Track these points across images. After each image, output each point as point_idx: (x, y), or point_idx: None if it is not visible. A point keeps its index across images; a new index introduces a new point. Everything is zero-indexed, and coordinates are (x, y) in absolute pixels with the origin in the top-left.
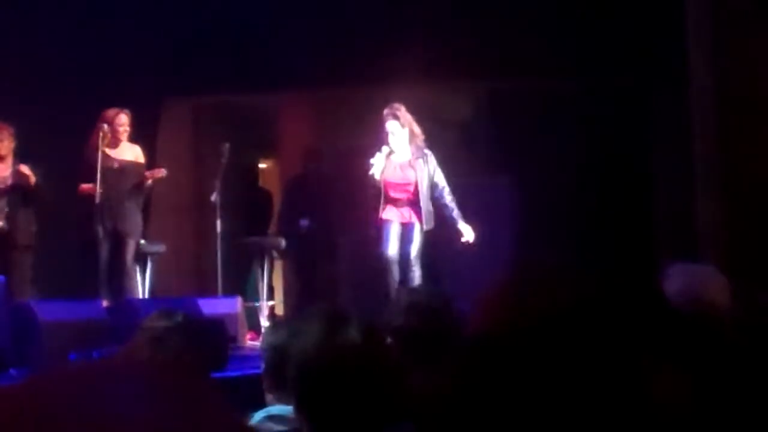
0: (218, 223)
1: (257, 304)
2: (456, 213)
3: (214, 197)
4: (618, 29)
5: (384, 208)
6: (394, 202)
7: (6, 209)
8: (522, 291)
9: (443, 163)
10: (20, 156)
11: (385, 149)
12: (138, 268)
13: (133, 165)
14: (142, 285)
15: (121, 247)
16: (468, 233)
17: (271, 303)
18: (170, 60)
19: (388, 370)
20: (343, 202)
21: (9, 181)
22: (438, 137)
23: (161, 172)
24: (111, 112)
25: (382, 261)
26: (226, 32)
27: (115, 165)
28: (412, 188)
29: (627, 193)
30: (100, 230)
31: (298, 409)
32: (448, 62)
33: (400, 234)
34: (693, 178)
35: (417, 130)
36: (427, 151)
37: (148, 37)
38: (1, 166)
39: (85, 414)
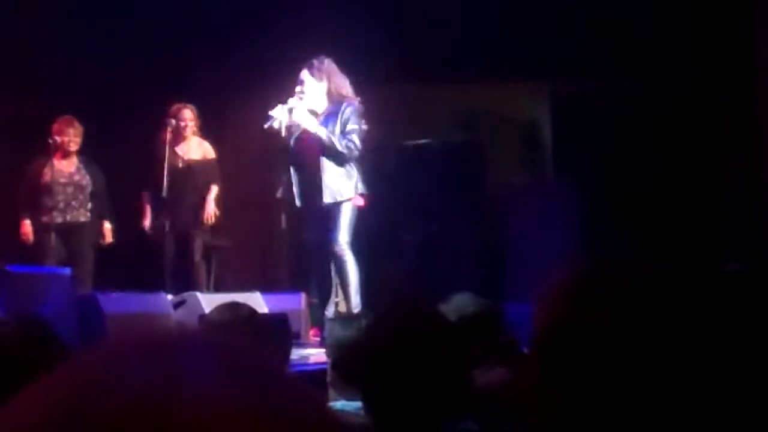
0: (283, 218)
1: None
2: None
3: (279, 193)
4: (683, 28)
5: (299, 183)
6: (303, 166)
7: (73, 203)
8: (590, 285)
9: (506, 164)
10: (86, 152)
11: (291, 101)
12: (203, 263)
13: (201, 164)
14: (207, 279)
15: (187, 244)
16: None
17: (336, 300)
18: (237, 56)
19: (456, 365)
20: (408, 199)
21: (75, 177)
22: (502, 137)
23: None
24: (175, 107)
25: (305, 249)
26: (292, 26)
27: (180, 164)
28: (319, 154)
29: (693, 196)
30: (167, 225)
31: (366, 401)
32: (513, 62)
33: (318, 218)
34: (761, 181)
35: (344, 89)
36: (347, 103)
37: (215, 31)
38: (67, 162)
39: (155, 387)
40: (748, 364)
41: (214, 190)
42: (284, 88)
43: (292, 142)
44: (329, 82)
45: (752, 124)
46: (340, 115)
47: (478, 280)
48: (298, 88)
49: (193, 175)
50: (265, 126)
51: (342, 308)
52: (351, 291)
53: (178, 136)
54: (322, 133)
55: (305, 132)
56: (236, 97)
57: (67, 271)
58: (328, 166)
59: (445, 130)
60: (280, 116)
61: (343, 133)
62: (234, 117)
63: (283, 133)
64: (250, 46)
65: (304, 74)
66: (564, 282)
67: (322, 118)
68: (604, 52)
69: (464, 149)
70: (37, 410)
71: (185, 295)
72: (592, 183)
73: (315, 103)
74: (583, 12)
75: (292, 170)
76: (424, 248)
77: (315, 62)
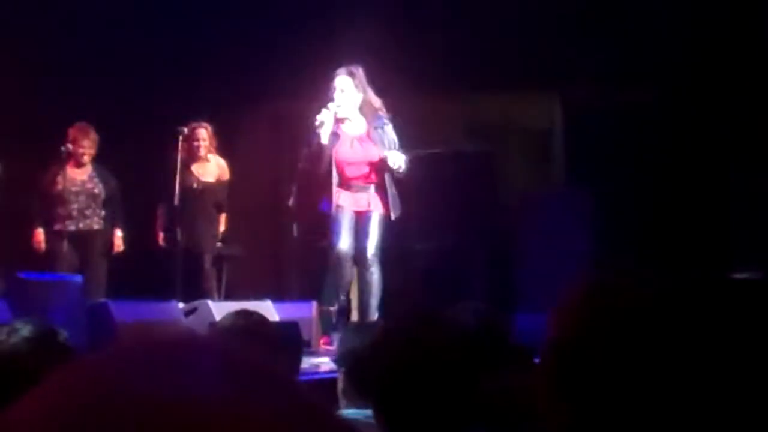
0: (294, 227)
1: (332, 309)
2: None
3: (291, 201)
4: (695, 37)
5: (337, 192)
6: (348, 185)
7: (86, 211)
8: (603, 297)
9: (518, 174)
10: (100, 162)
11: (332, 106)
12: (214, 271)
13: (215, 186)
14: (218, 287)
15: (197, 257)
16: (393, 158)
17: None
18: (250, 65)
19: (469, 374)
20: (420, 209)
21: (87, 185)
22: (514, 147)
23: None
24: (190, 126)
25: (331, 257)
26: (305, 37)
27: (195, 185)
28: (370, 167)
29: (706, 204)
30: (179, 234)
31: (378, 411)
32: (525, 72)
33: (353, 225)
34: None
35: (377, 102)
36: (386, 120)
37: (229, 41)
38: (80, 170)
39: (163, 392)
40: (764, 374)
41: (224, 217)
42: (297, 98)
43: (336, 161)
44: (365, 93)
45: (764, 132)
46: (384, 135)
47: (490, 290)
48: (338, 94)
49: (206, 198)
50: (317, 129)
51: (354, 317)
52: (374, 302)
53: (194, 155)
54: (404, 164)
55: (376, 163)
56: (249, 107)
57: (79, 278)
58: (389, 182)
59: (456, 139)
60: (327, 120)
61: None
62: (247, 127)
63: (326, 140)
64: (264, 57)
65: (345, 82)
66: (577, 293)
67: (367, 136)
68: (616, 62)
69: (476, 159)
70: (44, 412)
71: (196, 303)
72: (605, 193)
73: (349, 112)
74: (595, 22)
75: (338, 186)
76: (435, 258)
77: (354, 71)
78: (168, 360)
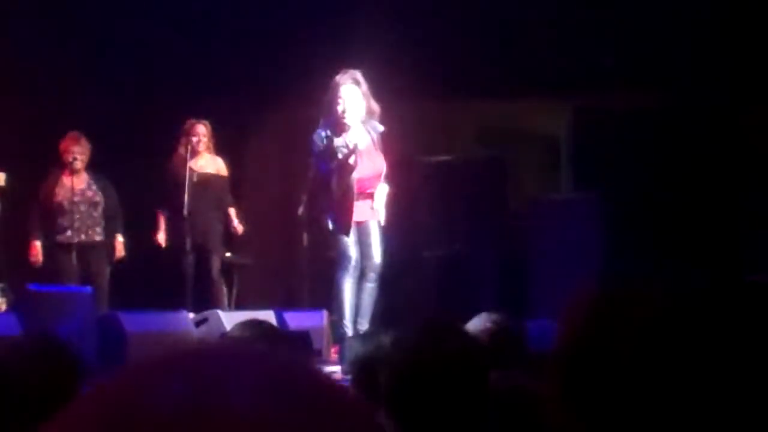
0: (305, 236)
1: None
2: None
3: (301, 210)
4: (705, 44)
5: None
6: (358, 198)
7: (87, 221)
8: (609, 304)
9: (529, 180)
10: (98, 168)
11: (354, 125)
12: (224, 280)
13: (215, 178)
14: (228, 297)
15: (205, 261)
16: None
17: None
18: (259, 73)
19: (480, 382)
20: (430, 215)
21: (87, 194)
22: (525, 153)
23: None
24: (189, 122)
25: (348, 270)
26: (314, 41)
27: (195, 178)
28: (377, 180)
29: (716, 209)
30: (188, 243)
31: (389, 417)
32: (535, 78)
33: (357, 236)
34: None
35: (376, 108)
36: (380, 127)
37: (236, 47)
38: (77, 179)
39: (190, 404)
40: None
41: (233, 211)
42: (309, 105)
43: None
44: (368, 101)
45: None
46: (376, 142)
47: (500, 297)
48: (348, 103)
49: (208, 189)
50: (349, 159)
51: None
52: (370, 311)
53: (192, 151)
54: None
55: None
56: (258, 115)
57: (89, 290)
58: (382, 191)
59: (467, 146)
60: (361, 139)
61: None
62: (255, 135)
63: (352, 161)
64: (272, 62)
65: (353, 91)
66: (587, 298)
67: (372, 146)
68: (625, 68)
69: (486, 165)
70: (75, 428)
71: (207, 313)
72: (615, 198)
73: (356, 124)
74: (605, 29)
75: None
76: (445, 264)
77: (359, 78)
78: (197, 371)
